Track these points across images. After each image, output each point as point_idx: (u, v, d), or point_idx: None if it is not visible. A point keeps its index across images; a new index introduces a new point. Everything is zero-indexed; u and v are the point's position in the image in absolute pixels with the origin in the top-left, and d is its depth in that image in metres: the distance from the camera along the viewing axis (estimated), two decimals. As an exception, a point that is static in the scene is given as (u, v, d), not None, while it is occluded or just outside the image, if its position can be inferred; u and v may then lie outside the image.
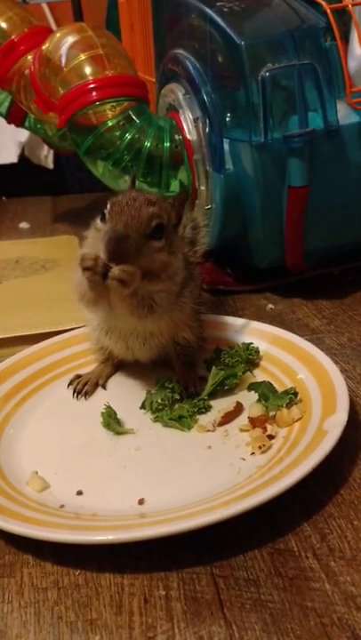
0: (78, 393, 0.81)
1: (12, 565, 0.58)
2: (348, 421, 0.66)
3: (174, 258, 0.73)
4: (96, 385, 0.83)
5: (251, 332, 0.87)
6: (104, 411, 0.75)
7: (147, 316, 0.73)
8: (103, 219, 0.69)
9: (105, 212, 0.69)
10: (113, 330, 0.78)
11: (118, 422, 0.75)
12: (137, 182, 1.04)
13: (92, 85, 1.01)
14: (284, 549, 0.57)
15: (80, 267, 0.68)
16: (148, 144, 1.02)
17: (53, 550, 0.58)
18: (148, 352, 0.80)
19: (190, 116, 1.02)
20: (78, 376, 0.83)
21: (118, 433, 0.73)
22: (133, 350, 0.79)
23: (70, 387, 0.82)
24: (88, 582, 0.56)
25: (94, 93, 1.01)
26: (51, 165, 1.86)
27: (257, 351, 0.83)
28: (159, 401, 0.75)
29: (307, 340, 0.82)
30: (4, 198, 1.88)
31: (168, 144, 1.03)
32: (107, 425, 0.74)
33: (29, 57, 1.17)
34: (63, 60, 1.04)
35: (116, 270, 0.67)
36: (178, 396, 0.77)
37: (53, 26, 1.73)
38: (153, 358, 0.82)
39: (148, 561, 0.57)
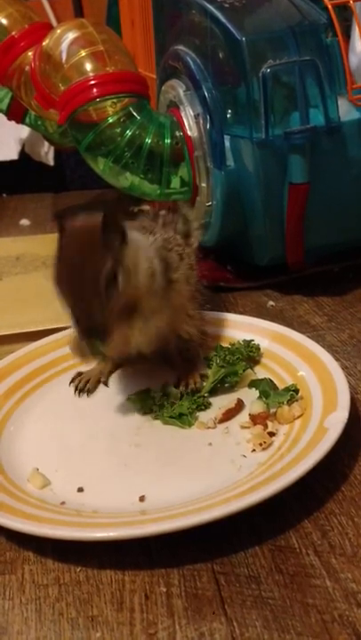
0: (80, 390, 0.81)
1: (12, 562, 0.58)
2: (349, 419, 0.66)
3: (135, 273, 0.68)
4: (98, 382, 0.83)
5: (251, 328, 0.87)
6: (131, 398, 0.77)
7: (147, 331, 0.73)
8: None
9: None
10: None
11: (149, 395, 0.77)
12: (137, 179, 1.04)
13: (92, 82, 1.01)
14: (285, 546, 0.57)
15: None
16: (148, 141, 1.01)
17: (54, 547, 0.59)
18: (149, 342, 0.79)
19: (191, 113, 1.02)
20: (80, 373, 0.83)
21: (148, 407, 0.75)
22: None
23: (72, 384, 0.82)
24: (89, 579, 0.56)
25: (95, 90, 1.00)
26: (51, 162, 1.86)
27: (258, 348, 0.83)
28: (154, 402, 0.75)
29: (308, 336, 0.82)
30: (4, 195, 1.88)
31: (169, 141, 1.02)
32: (140, 407, 0.76)
33: (30, 53, 1.16)
34: (64, 57, 1.03)
35: (113, 349, 0.69)
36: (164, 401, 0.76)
37: (54, 22, 1.72)
38: (154, 350, 0.81)
39: (149, 558, 0.57)
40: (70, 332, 0.71)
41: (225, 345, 0.84)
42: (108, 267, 0.65)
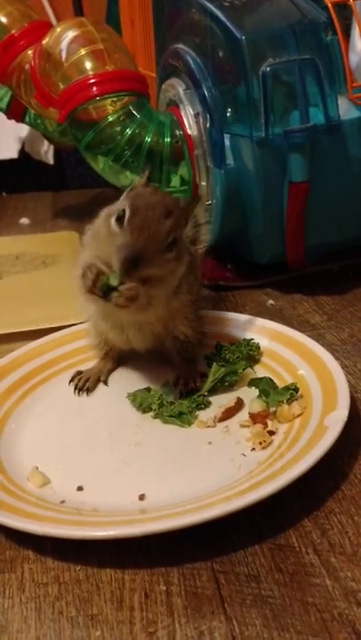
0: (80, 389, 0.81)
1: (12, 561, 0.58)
2: (349, 417, 0.66)
3: (180, 264, 0.73)
4: (97, 381, 0.83)
5: (251, 327, 0.87)
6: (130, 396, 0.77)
7: (144, 312, 0.74)
8: (120, 221, 0.68)
9: (124, 215, 0.68)
10: (110, 315, 0.78)
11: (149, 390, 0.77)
12: (137, 178, 1.04)
13: (92, 80, 1.01)
14: (285, 545, 0.57)
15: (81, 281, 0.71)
16: (148, 139, 1.01)
17: (54, 546, 0.59)
18: (144, 339, 0.80)
19: (191, 112, 1.02)
20: (79, 372, 0.83)
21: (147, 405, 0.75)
22: (129, 337, 0.79)
23: (71, 383, 0.82)
24: (89, 578, 0.56)
25: (95, 88, 1.01)
26: (51, 161, 1.85)
27: (258, 347, 0.83)
28: (155, 400, 0.75)
29: (307, 335, 0.82)
30: (4, 194, 1.88)
31: (169, 139, 1.02)
32: (139, 405, 0.76)
33: (29, 52, 1.16)
34: (63, 55, 1.03)
35: (120, 300, 0.68)
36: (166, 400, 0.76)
37: (53, 20, 1.72)
38: (149, 348, 0.81)
39: (149, 556, 0.57)
40: (86, 261, 0.72)
41: (225, 344, 0.84)
42: (178, 232, 0.71)
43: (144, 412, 0.76)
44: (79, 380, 0.82)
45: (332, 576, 0.54)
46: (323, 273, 1.10)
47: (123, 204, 0.70)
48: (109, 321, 0.78)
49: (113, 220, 0.69)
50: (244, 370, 0.79)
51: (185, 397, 0.76)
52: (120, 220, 0.68)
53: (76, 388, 0.81)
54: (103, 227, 0.72)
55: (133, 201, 0.69)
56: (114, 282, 0.68)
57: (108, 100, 1.01)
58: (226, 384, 0.79)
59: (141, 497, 0.63)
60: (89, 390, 0.81)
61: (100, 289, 0.70)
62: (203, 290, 0.88)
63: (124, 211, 0.68)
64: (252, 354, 0.82)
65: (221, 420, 0.73)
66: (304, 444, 0.64)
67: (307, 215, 0.96)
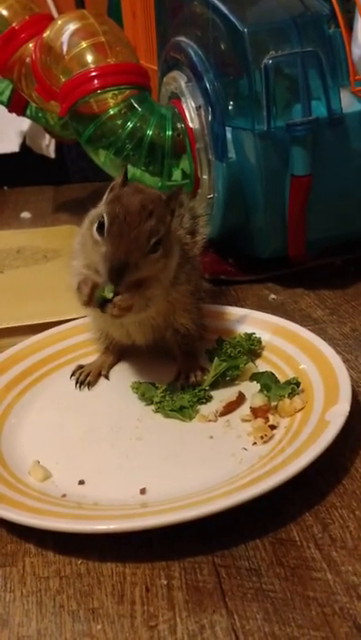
0: (81, 383, 0.81)
1: (14, 554, 0.58)
2: (351, 412, 0.66)
3: (170, 259, 0.73)
4: (98, 375, 0.83)
5: (253, 322, 0.87)
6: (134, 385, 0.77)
7: (144, 313, 0.74)
8: (101, 231, 0.68)
9: (103, 223, 0.67)
10: None
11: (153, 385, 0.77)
12: (139, 172, 1.04)
13: (93, 73, 1.00)
14: (286, 539, 0.57)
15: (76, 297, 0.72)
16: (150, 132, 1.01)
17: (55, 539, 0.59)
18: (144, 333, 0.80)
19: (193, 104, 1.02)
20: (81, 366, 0.83)
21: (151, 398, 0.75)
22: (129, 331, 0.79)
23: (73, 377, 0.82)
24: (90, 571, 0.56)
25: (96, 81, 1.00)
26: (52, 154, 1.85)
27: (259, 341, 0.83)
28: (159, 393, 0.75)
29: (309, 330, 0.82)
30: (5, 188, 1.88)
31: (170, 132, 1.02)
32: (142, 395, 0.76)
33: (30, 45, 1.16)
34: (65, 48, 1.03)
35: (115, 310, 0.69)
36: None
37: (55, 13, 1.72)
38: (150, 341, 0.81)
39: (150, 550, 0.57)
40: (80, 274, 0.73)
41: (226, 338, 0.83)
42: (162, 231, 0.69)
43: (146, 404, 0.76)
44: (80, 374, 0.82)
45: (334, 570, 0.54)
46: (325, 267, 1.10)
47: (102, 209, 0.70)
48: (108, 318, 0.78)
49: (94, 229, 0.69)
50: (245, 364, 0.79)
51: (186, 392, 0.76)
52: (101, 228, 0.68)
53: (77, 383, 0.81)
54: (87, 235, 0.71)
55: (111, 206, 0.68)
56: (109, 294, 0.68)
57: (110, 94, 1.01)
58: (227, 378, 0.79)
59: (142, 491, 0.63)
60: (90, 384, 0.81)
61: (95, 302, 0.70)
62: (203, 282, 0.87)
63: (103, 217, 0.68)
64: (253, 348, 0.82)
65: (223, 414, 0.73)
66: (305, 439, 0.64)
67: (309, 209, 0.96)
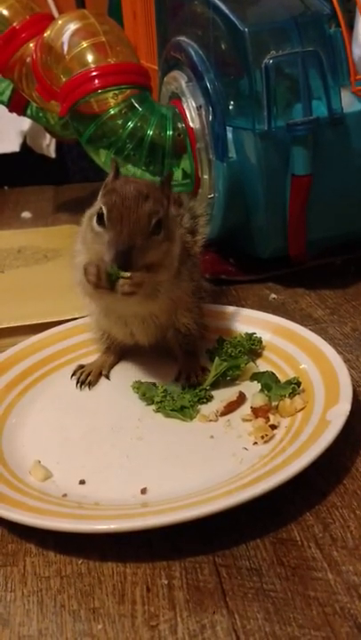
0: (82, 383, 0.81)
1: (15, 554, 0.58)
2: (351, 411, 0.66)
3: (173, 244, 0.73)
4: (99, 375, 0.83)
5: (253, 321, 0.87)
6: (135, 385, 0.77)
7: (152, 301, 0.74)
8: (101, 221, 0.68)
9: (102, 214, 0.68)
10: (112, 311, 0.78)
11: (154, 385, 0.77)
12: (139, 171, 1.04)
13: (94, 73, 1.00)
14: (287, 539, 0.57)
15: (85, 280, 0.70)
16: (150, 132, 1.01)
17: (56, 539, 0.59)
18: (147, 333, 0.80)
19: (193, 104, 1.02)
20: (81, 366, 0.83)
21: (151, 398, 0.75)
22: (133, 331, 0.79)
23: (73, 377, 0.82)
24: (91, 571, 0.56)
25: (96, 81, 1.00)
26: (53, 154, 1.85)
27: (260, 341, 0.83)
28: (159, 393, 0.75)
29: (310, 329, 0.82)
30: (5, 187, 1.88)
31: (171, 132, 1.02)
32: (142, 394, 0.76)
33: (31, 45, 1.16)
34: (65, 48, 1.03)
35: (125, 287, 0.68)
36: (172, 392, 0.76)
37: (55, 13, 1.71)
38: (152, 341, 0.81)
39: (151, 550, 0.57)
40: (86, 260, 0.72)
41: (227, 338, 0.83)
42: (161, 212, 0.70)
43: (147, 404, 0.76)
44: (81, 374, 0.82)
45: (334, 570, 0.54)
46: (325, 267, 1.10)
47: (99, 203, 0.70)
48: (112, 316, 0.78)
49: (94, 222, 0.69)
50: (246, 364, 0.79)
51: (187, 391, 0.76)
52: (100, 218, 0.68)
53: (77, 382, 0.81)
54: (88, 231, 0.72)
55: (108, 197, 0.69)
56: (118, 272, 0.68)
57: (110, 93, 1.01)
58: (228, 378, 0.79)
59: (143, 491, 0.63)
60: (91, 384, 0.81)
61: (105, 281, 0.69)
62: (204, 282, 0.87)
63: (101, 209, 0.68)
64: (254, 348, 0.82)
65: (223, 414, 0.73)
66: (306, 439, 0.64)
67: (309, 209, 0.96)
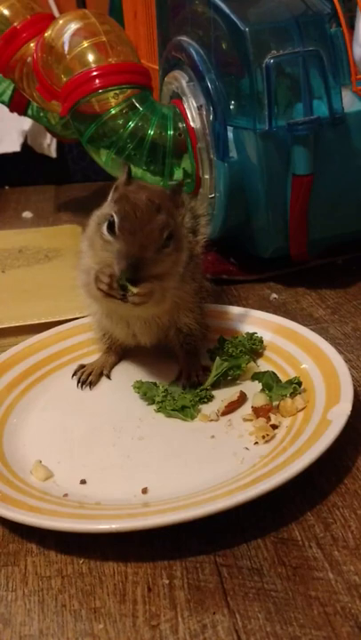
0: (83, 383, 0.81)
1: (16, 554, 0.58)
2: (353, 411, 0.66)
3: (181, 253, 0.73)
4: (100, 375, 0.83)
5: (254, 321, 0.87)
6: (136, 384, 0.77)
7: (160, 307, 0.74)
8: (111, 230, 0.67)
9: (113, 222, 0.67)
10: (114, 312, 0.78)
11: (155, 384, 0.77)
12: (140, 171, 1.04)
13: (94, 73, 1.00)
14: (288, 539, 0.57)
15: (96, 287, 0.70)
16: (151, 132, 1.01)
17: (57, 539, 0.59)
18: (149, 333, 0.80)
19: (194, 104, 1.02)
20: (82, 366, 0.83)
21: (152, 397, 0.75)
22: (134, 331, 0.79)
23: (74, 377, 0.82)
24: (92, 571, 0.56)
25: (97, 81, 1.00)
26: (54, 154, 1.85)
27: (261, 341, 0.83)
28: (160, 393, 0.75)
29: (311, 329, 0.82)
30: (6, 187, 1.88)
31: (171, 132, 1.02)
32: (143, 394, 0.76)
33: (32, 44, 1.16)
34: (66, 48, 1.03)
35: (136, 298, 0.68)
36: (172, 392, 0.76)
37: (56, 13, 1.72)
38: (154, 341, 0.81)
39: (152, 550, 0.57)
40: (91, 270, 0.72)
41: (228, 338, 0.83)
42: (172, 224, 0.69)
43: (148, 403, 0.76)
44: (82, 374, 0.82)
45: (335, 570, 0.54)
46: (326, 266, 1.10)
47: (110, 209, 0.70)
48: (114, 317, 0.78)
49: (104, 229, 0.68)
50: (247, 364, 0.79)
51: (188, 391, 0.76)
52: (111, 227, 0.68)
53: (78, 382, 0.81)
54: (96, 236, 0.71)
55: (120, 205, 0.68)
56: (126, 282, 0.67)
57: (111, 93, 1.01)
58: (229, 378, 0.79)
59: (144, 490, 0.63)
60: (92, 384, 0.81)
61: (117, 291, 0.68)
62: (205, 281, 0.87)
63: (112, 216, 0.68)
64: (255, 348, 0.82)
65: (224, 413, 0.73)
66: (307, 438, 0.64)
67: (310, 208, 0.96)
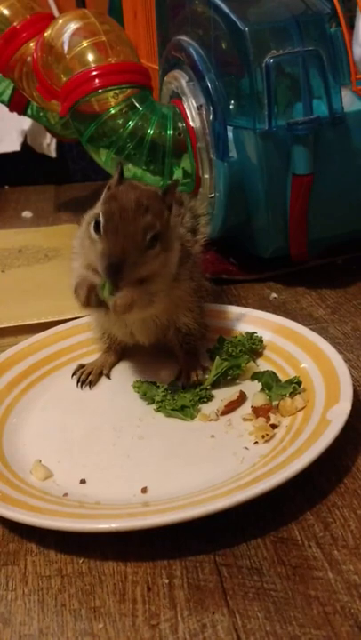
0: (82, 382, 0.81)
1: (15, 553, 0.58)
2: (352, 411, 0.66)
3: (171, 254, 0.73)
4: (100, 374, 0.83)
5: (254, 321, 0.87)
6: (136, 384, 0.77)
7: (149, 310, 0.73)
8: (97, 229, 0.68)
9: (99, 222, 0.67)
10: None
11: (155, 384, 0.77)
12: (140, 171, 1.04)
13: (94, 73, 1.00)
14: (288, 538, 0.57)
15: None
16: (151, 132, 1.01)
17: (57, 538, 0.59)
18: (148, 332, 0.80)
19: (194, 104, 1.02)
20: (82, 366, 0.83)
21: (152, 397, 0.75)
22: (133, 331, 0.79)
23: (74, 376, 0.82)
24: (92, 570, 0.56)
25: (97, 81, 1.00)
26: (53, 154, 1.85)
27: (260, 340, 0.83)
28: (160, 392, 0.75)
29: (310, 329, 0.82)
30: (6, 187, 1.88)
31: (171, 132, 1.02)
32: (143, 394, 0.76)
33: (32, 44, 1.16)
34: (66, 47, 1.03)
35: (118, 307, 0.68)
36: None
37: (56, 12, 1.72)
38: (153, 341, 0.81)
39: (152, 549, 0.57)
40: (80, 276, 0.73)
41: (227, 337, 0.83)
42: (158, 226, 0.68)
43: (148, 403, 0.76)
44: (82, 374, 0.82)
45: (335, 569, 0.54)
46: (326, 266, 1.10)
47: (99, 208, 0.70)
48: (113, 317, 0.78)
49: (92, 229, 0.68)
50: (246, 363, 0.79)
51: (188, 391, 0.76)
52: (97, 226, 0.68)
53: (78, 382, 0.81)
54: (85, 236, 0.71)
55: (107, 206, 0.68)
56: (106, 294, 0.68)
57: (111, 93, 1.01)
58: (229, 377, 0.79)
59: (144, 490, 0.63)
60: (92, 383, 0.81)
61: (94, 302, 0.70)
62: (205, 281, 0.87)
63: (99, 216, 0.68)
64: (254, 347, 0.82)
65: (224, 413, 0.73)
66: (307, 438, 0.64)
67: (310, 208, 0.96)
